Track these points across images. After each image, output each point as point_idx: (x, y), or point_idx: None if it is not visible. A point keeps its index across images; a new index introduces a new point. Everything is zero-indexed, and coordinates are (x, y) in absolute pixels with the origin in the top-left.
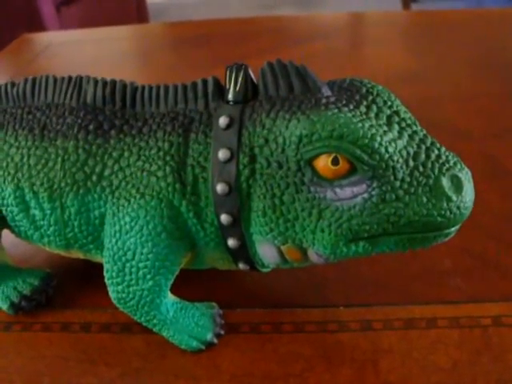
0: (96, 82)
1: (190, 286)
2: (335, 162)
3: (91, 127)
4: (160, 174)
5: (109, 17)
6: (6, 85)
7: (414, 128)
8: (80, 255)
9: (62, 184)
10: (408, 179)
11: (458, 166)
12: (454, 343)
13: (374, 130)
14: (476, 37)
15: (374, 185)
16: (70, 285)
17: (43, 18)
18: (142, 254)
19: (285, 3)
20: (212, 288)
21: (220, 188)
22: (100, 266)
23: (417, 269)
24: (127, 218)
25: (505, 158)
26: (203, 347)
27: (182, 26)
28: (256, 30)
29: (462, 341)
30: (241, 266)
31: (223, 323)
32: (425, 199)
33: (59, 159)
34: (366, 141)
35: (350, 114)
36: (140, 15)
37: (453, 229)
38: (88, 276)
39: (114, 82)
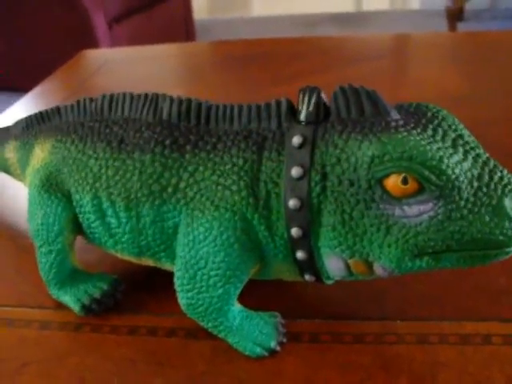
0: (172, 99)
1: (253, 295)
2: (405, 181)
3: (167, 142)
4: (234, 188)
5: (157, 33)
6: (84, 100)
7: (478, 151)
8: (150, 263)
9: (139, 194)
10: (472, 199)
11: None
12: (509, 360)
13: (441, 153)
14: None
15: (440, 204)
16: (136, 291)
17: (96, 35)
18: (214, 262)
19: (327, 22)
20: (274, 298)
21: (292, 203)
22: (165, 274)
23: (472, 286)
24: (201, 229)
25: None
26: (266, 354)
27: (232, 44)
28: (303, 50)
29: None
30: (307, 277)
31: (285, 332)
32: (487, 218)
33: (136, 171)
34: (435, 162)
35: (418, 137)
36: (187, 31)
37: None
38: (153, 283)
39: (189, 100)
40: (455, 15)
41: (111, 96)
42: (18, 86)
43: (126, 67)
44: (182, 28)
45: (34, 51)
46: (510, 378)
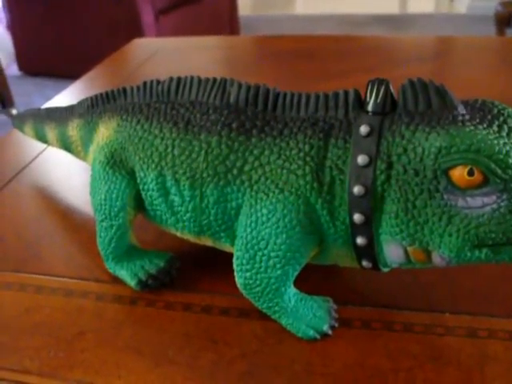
0: (240, 84)
1: (307, 280)
2: (470, 173)
3: (234, 125)
4: (300, 172)
5: (201, 27)
6: (150, 82)
7: None
8: (209, 242)
9: (204, 175)
10: None
11: None
12: None
13: (507, 147)
14: None
15: (504, 197)
16: (191, 269)
17: (143, 26)
18: (275, 244)
19: (372, 23)
20: (327, 284)
21: (357, 190)
22: (219, 254)
23: None
24: (264, 210)
25: None
26: (318, 337)
27: (277, 39)
28: (351, 48)
29: None
30: (364, 263)
31: (337, 317)
32: None
33: (202, 152)
34: (501, 156)
35: (485, 132)
36: (231, 26)
37: None
38: (207, 263)
39: (257, 86)
40: (504, 21)
41: (178, 79)
42: (63, 74)
43: (176, 57)
44: (226, 23)
45: (82, 40)
46: None
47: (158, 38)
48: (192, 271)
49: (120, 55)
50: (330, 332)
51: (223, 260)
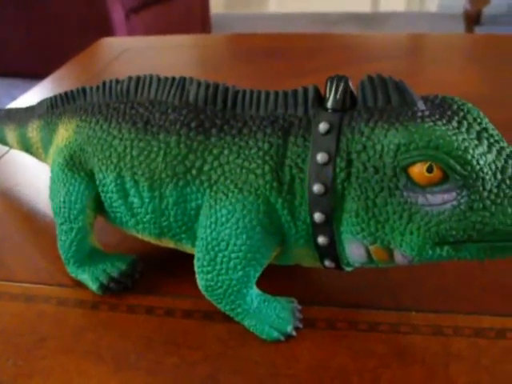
0: (199, 83)
1: (271, 280)
2: (430, 170)
3: (193, 125)
4: (259, 171)
5: (173, 26)
6: (110, 81)
7: (502, 144)
8: (170, 244)
9: (163, 175)
10: (495, 190)
11: None
12: None
13: (466, 143)
14: None
15: (464, 193)
16: (153, 272)
17: (113, 25)
18: (235, 245)
19: (344, 21)
20: (291, 284)
21: (316, 188)
22: (182, 256)
23: (486, 281)
24: (224, 211)
25: None
26: (282, 338)
27: (249, 37)
28: (321, 47)
29: None
30: (327, 263)
31: (301, 318)
32: (510, 210)
33: (161, 152)
34: (460, 152)
35: (444, 128)
36: (203, 25)
37: None
38: (170, 265)
39: (216, 85)
40: (473, 19)
41: (137, 78)
42: (34, 73)
43: (144, 56)
44: (198, 22)
45: (51, 40)
46: None
47: (126, 36)
48: (155, 274)
49: (87, 55)
50: (294, 333)
51: (187, 262)
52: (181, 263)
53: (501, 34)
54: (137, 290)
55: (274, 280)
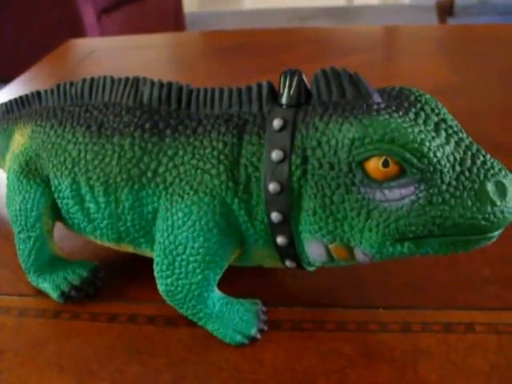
0: (152, 83)
1: (234, 283)
2: (385, 164)
3: (147, 126)
4: (214, 172)
5: (147, 25)
6: (64, 84)
7: (461, 135)
8: (130, 249)
9: (118, 179)
10: (454, 183)
11: (503, 173)
12: (493, 348)
13: (423, 135)
14: None
15: (422, 187)
16: (116, 278)
17: (84, 26)
18: (193, 248)
19: (319, 15)
20: (255, 286)
21: (272, 187)
22: (146, 261)
23: (455, 276)
24: (180, 214)
25: None
26: (247, 342)
27: (221, 34)
28: (293, 41)
29: (501, 346)
30: (287, 263)
31: (266, 320)
32: (470, 203)
33: (116, 155)
34: (416, 145)
35: (400, 120)
36: (177, 24)
37: (496, 233)
38: (134, 270)
39: (170, 84)
40: (445, 10)
41: (91, 80)
42: (4, 76)
43: (114, 56)
44: (172, 21)
45: (22, 42)
46: (494, 365)
47: (94, 37)
48: (119, 279)
49: (54, 57)
50: (258, 336)
51: (150, 266)
52: (145, 268)
53: (471, 24)
54: (100, 297)
55: (238, 282)
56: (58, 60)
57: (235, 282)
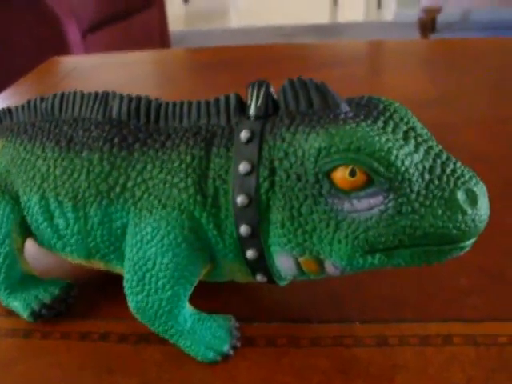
0: (121, 97)
1: (207, 298)
2: (352, 173)
3: (116, 140)
4: (182, 185)
5: (132, 44)
6: (35, 100)
7: (430, 143)
8: (101, 265)
9: (86, 194)
10: (424, 192)
11: (473, 181)
12: (470, 360)
13: (390, 144)
14: (492, 65)
15: (391, 197)
16: (89, 295)
17: (69, 45)
18: (162, 263)
19: (304, 33)
20: (229, 301)
21: (240, 200)
22: (119, 278)
23: (432, 287)
24: (149, 229)
25: None
26: (219, 359)
27: (204, 51)
28: (276, 57)
29: (478, 358)
30: (258, 277)
31: (240, 336)
32: (440, 212)
33: (84, 170)
34: (383, 153)
35: (367, 128)
36: (163, 43)
37: (468, 242)
38: (107, 287)
39: (138, 98)
40: (428, 26)
41: (62, 95)
42: None
43: (97, 73)
44: (157, 40)
45: (6, 60)
46: (471, 378)
47: (76, 55)
48: (91, 297)
49: (36, 74)
50: (231, 353)
51: (123, 283)
52: (117, 285)
53: (452, 38)
54: (71, 315)
55: (210, 297)
56: (41, 77)
57: (208, 298)
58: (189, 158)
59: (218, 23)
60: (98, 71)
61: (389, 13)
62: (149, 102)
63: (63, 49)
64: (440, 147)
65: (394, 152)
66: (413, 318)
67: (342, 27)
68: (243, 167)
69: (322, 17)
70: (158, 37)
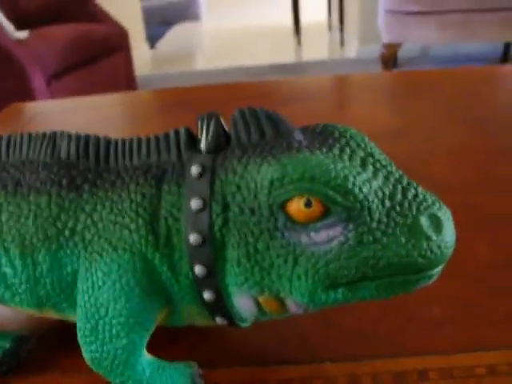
0: (70, 136)
1: (167, 344)
2: (308, 204)
3: (64, 182)
4: (133, 226)
5: (98, 89)
6: None
7: (390, 168)
8: (53, 315)
9: (34, 240)
10: (385, 220)
11: (437, 205)
12: None
13: (346, 171)
14: (450, 94)
15: (350, 227)
16: (46, 348)
17: (34, 92)
18: (115, 309)
19: (271, 72)
20: (191, 346)
21: (193, 238)
22: (75, 327)
23: (404, 318)
24: (99, 273)
25: (488, 207)
26: None
27: (170, 92)
28: (240, 95)
29: None
30: (218, 320)
31: (203, 383)
32: (403, 240)
33: (31, 214)
34: (339, 181)
35: (322, 156)
36: (129, 87)
37: (435, 270)
38: (65, 338)
39: (87, 137)
40: (389, 61)
41: (8, 138)
42: None
43: (62, 118)
44: (123, 84)
45: None
46: None
47: (39, 101)
48: (47, 350)
49: None
50: None
51: None
52: (74, 336)
53: (413, 70)
54: (25, 370)
55: (172, 343)
56: (3, 122)
57: (169, 344)
58: (139, 197)
59: (185, 66)
60: (65, 115)
61: (351, 50)
62: (97, 140)
63: (28, 96)
64: (400, 172)
65: (351, 179)
66: (385, 352)
67: (308, 65)
68: (195, 204)
69: (287, 57)
70: (125, 81)
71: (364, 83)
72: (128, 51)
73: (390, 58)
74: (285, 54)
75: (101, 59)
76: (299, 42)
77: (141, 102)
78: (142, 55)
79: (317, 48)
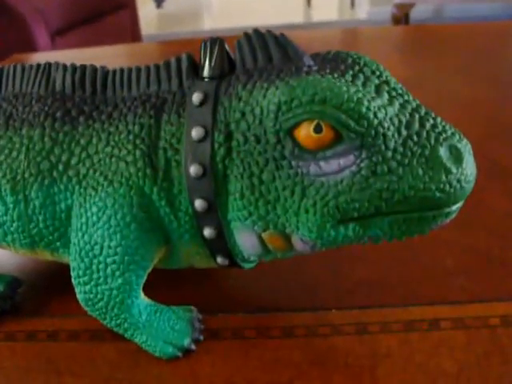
0: (65, 68)
1: (166, 289)
2: (318, 129)
3: (58, 114)
4: (129, 159)
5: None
6: None
7: (406, 97)
8: (47, 255)
9: (26, 174)
10: (401, 149)
11: (457, 137)
12: (460, 345)
13: (360, 94)
14: (464, 48)
15: (363, 156)
16: (39, 291)
17: (38, 49)
18: (109, 247)
19: (284, 30)
20: (190, 291)
21: (193, 170)
22: (69, 270)
23: (416, 269)
24: (94, 209)
25: (503, 158)
26: (180, 354)
27: (176, 43)
28: None
29: (469, 342)
30: (219, 260)
31: (202, 328)
32: (421, 171)
33: (23, 148)
34: (352, 104)
35: (333, 79)
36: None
37: (454, 207)
38: (58, 280)
39: (83, 68)
40: (401, 22)
41: (1, 71)
42: None
43: None
44: (129, 42)
45: None
46: (461, 363)
47: (40, 52)
48: (40, 293)
49: None
50: (193, 347)
51: None
52: (68, 278)
53: (426, 24)
54: (19, 313)
55: (170, 288)
56: None
57: (168, 288)
58: (137, 128)
59: (192, 26)
60: None
61: (362, 11)
62: (94, 70)
63: (31, 52)
64: (417, 102)
65: (365, 103)
66: (395, 302)
67: (316, 26)
68: (196, 133)
69: (296, 17)
70: (131, 40)
71: (376, 36)
72: (134, 9)
73: (401, 19)
74: (294, 15)
75: (106, 16)
76: (309, 3)
77: (148, 52)
78: (148, 13)
79: (327, 9)
